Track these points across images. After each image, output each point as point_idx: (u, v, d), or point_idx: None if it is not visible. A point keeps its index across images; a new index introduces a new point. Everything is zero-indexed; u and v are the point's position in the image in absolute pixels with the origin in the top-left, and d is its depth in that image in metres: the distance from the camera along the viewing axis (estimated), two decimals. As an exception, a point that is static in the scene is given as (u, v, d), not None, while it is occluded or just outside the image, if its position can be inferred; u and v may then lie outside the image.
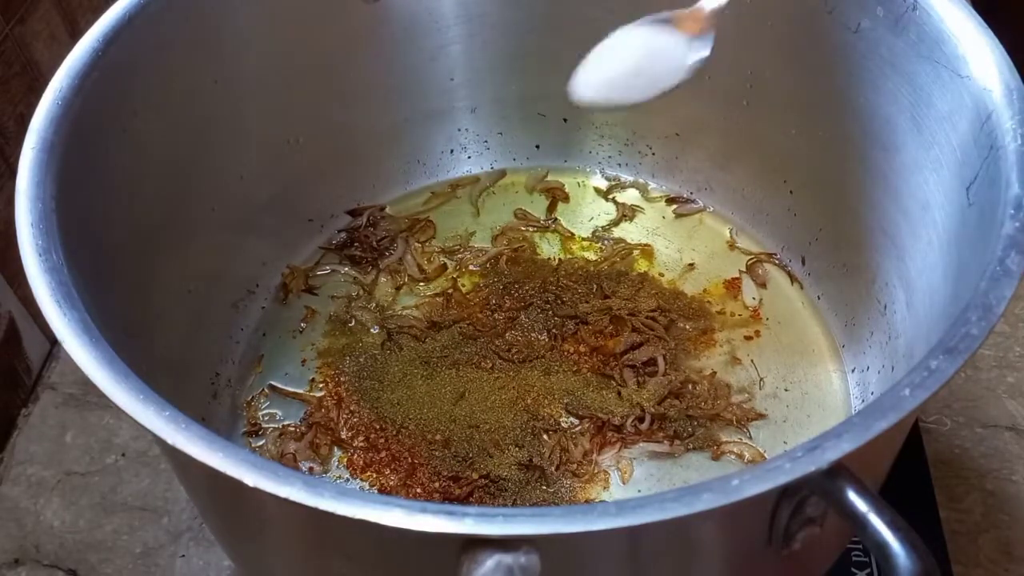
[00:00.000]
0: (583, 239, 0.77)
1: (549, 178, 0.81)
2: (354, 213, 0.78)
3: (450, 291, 0.73)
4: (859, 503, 0.36)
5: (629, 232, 0.77)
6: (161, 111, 0.59)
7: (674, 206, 0.78)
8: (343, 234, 0.77)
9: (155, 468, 0.70)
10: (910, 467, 0.66)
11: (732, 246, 0.75)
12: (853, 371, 0.67)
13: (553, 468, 0.62)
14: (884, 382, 0.63)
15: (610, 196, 0.79)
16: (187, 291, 0.64)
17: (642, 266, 0.74)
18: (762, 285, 0.73)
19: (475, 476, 0.61)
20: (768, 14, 0.66)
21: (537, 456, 0.62)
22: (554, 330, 0.69)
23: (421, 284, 0.74)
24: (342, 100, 0.73)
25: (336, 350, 0.70)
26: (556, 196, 0.80)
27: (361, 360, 0.69)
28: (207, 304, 0.67)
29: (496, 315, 0.71)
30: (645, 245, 0.76)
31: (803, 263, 0.73)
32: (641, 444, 0.63)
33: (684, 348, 0.69)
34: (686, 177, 0.78)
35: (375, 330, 0.71)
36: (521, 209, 0.79)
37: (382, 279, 0.74)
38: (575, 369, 0.67)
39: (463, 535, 0.34)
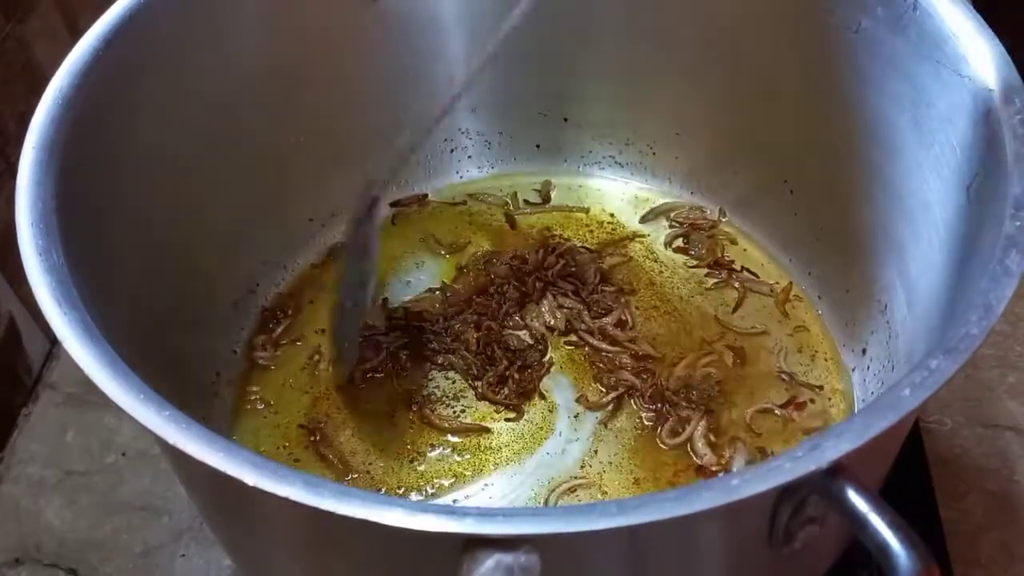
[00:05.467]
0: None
1: (550, 179, 0.81)
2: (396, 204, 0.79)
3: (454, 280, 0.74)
4: (859, 503, 0.36)
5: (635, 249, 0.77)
6: (161, 110, 0.59)
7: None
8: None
9: (155, 467, 0.70)
10: (911, 467, 0.66)
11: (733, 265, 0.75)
12: (853, 371, 0.67)
13: None
14: (884, 382, 0.63)
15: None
16: (187, 291, 0.64)
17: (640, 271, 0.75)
18: (760, 292, 0.73)
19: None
20: (768, 14, 0.66)
21: None
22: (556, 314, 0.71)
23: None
24: (342, 100, 0.73)
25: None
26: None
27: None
28: (207, 304, 0.67)
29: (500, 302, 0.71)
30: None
31: (803, 263, 0.73)
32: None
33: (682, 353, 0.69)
34: (686, 177, 0.78)
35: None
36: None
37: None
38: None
39: (463, 535, 0.34)
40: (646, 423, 0.65)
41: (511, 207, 0.79)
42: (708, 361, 0.68)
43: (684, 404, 0.65)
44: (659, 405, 0.65)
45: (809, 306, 0.71)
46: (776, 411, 0.65)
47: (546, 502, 0.61)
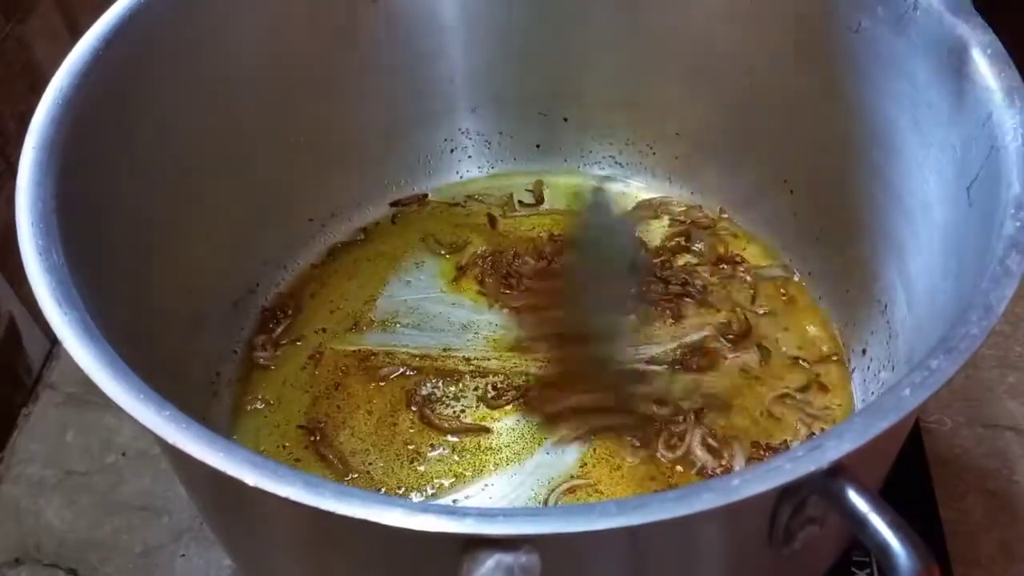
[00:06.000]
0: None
1: (547, 178, 0.81)
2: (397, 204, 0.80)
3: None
4: (859, 503, 0.36)
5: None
6: (161, 110, 0.59)
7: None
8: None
9: (155, 467, 0.70)
10: (911, 467, 0.66)
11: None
12: (853, 371, 0.67)
13: None
14: (884, 382, 0.63)
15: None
16: (187, 291, 0.64)
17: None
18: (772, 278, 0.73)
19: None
20: (768, 14, 0.66)
21: None
22: None
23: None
24: (342, 100, 0.73)
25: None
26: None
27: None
28: (207, 304, 0.67)
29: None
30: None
31: (803, 263, 0.73)
32: None
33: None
34: (686, 177, 0.78)
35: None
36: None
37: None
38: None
39: (463, 535, 0.34)
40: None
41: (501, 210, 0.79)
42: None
43: (673, 417, 0.64)
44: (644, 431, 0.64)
45: (808, 307, 0.71)
46: (796, 395, 0.65)
47: (546, 502, 0.61)
